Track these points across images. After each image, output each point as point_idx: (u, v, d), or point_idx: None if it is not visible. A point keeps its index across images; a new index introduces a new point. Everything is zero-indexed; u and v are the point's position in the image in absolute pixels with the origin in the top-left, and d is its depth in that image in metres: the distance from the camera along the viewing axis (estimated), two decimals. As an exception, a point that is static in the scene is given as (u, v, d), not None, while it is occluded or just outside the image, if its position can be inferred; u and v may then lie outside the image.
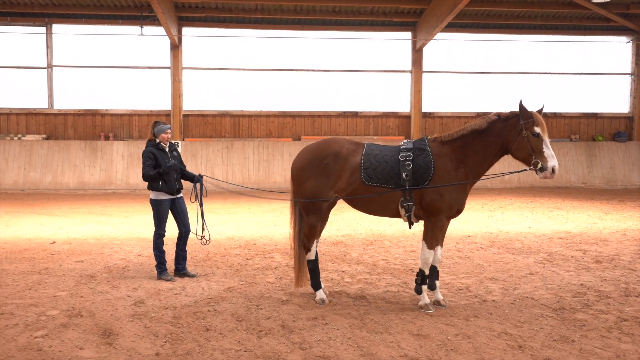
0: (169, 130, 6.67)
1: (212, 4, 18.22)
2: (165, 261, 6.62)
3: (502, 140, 5.25)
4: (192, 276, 6.61)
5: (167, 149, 6.62)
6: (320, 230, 5.72)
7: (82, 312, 5.15)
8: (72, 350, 4.23)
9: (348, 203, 5.65)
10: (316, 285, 5.63)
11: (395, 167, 5.31)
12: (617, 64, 20.80)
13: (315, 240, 5.66)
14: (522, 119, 5.15)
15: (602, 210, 13.27)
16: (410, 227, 5.57)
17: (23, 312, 5.15)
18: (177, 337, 4.52)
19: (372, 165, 5.35)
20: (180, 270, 6.66)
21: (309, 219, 5.60)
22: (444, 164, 5.27)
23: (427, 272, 5.38)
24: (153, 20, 18.09)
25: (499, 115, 5.31)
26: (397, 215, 5.47)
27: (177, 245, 6.72)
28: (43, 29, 18.68)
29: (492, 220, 11.57)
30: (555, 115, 20.50)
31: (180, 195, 6.73)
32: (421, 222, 5.58)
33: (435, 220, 5.31)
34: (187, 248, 6.79)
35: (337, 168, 5.44)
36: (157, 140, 6.58)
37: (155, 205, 6.54)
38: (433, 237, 5.33)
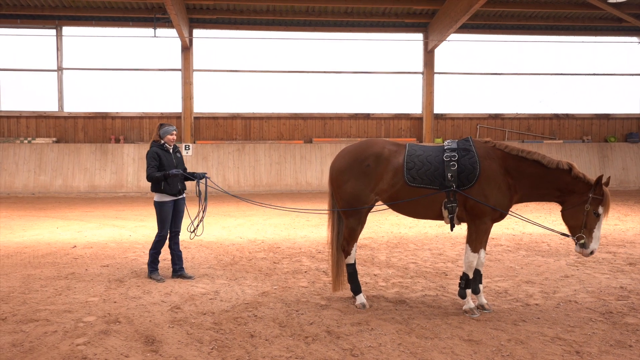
0: (174, 132, 6.76)
1: (223, 5, 18.11)
2: (159, 261, 6.69)
3: (559, 191, 5.07)
4: (189, 278, 6.59)
5: (171, 150, 6.71)
6: (359, 233, 5.59)
7: (120, 318, 5.03)
8: (118, 358, 4.11)
9: (388, 205, 5.52)
10: (356, 290, 5.50)
11: (440, 168, 5.19)
12: (629, 64, 20.69)
13: (355, 244, 5.54)
14: (593, 192, 4.94)
15: (619, 211, 13.14)
16: (452, 230, 5.45)
17: (59, 319, 5.03)
18: (222, 344, 4.39)
19: (415, 165, 5.23)
20: (178, 270, 6.69)
21: (349, 222, 5.48)
22: (490, 166, 5.15)
23: (471, 275, 5.26)
24: (164, 22, 18.00)
25: (571, 167, 5.04)
26: (439, 217, 5.35)
27: (169, 247, 6.75)
28: (53, 32, 18.55)
29: (511, 222, 11.43)
30: (567, 116, 20.38)
31: (182, 196, 6.76)
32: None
33: (479, 222, 5.19)
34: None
35: (379, 169, 5.31)
36: (162, 142, 6.65)
37: (159, 207, 6.58)
38: (477, 240, 5.21)
